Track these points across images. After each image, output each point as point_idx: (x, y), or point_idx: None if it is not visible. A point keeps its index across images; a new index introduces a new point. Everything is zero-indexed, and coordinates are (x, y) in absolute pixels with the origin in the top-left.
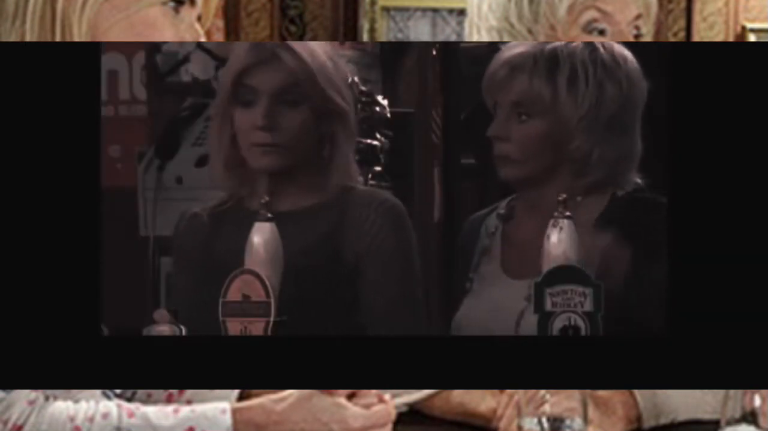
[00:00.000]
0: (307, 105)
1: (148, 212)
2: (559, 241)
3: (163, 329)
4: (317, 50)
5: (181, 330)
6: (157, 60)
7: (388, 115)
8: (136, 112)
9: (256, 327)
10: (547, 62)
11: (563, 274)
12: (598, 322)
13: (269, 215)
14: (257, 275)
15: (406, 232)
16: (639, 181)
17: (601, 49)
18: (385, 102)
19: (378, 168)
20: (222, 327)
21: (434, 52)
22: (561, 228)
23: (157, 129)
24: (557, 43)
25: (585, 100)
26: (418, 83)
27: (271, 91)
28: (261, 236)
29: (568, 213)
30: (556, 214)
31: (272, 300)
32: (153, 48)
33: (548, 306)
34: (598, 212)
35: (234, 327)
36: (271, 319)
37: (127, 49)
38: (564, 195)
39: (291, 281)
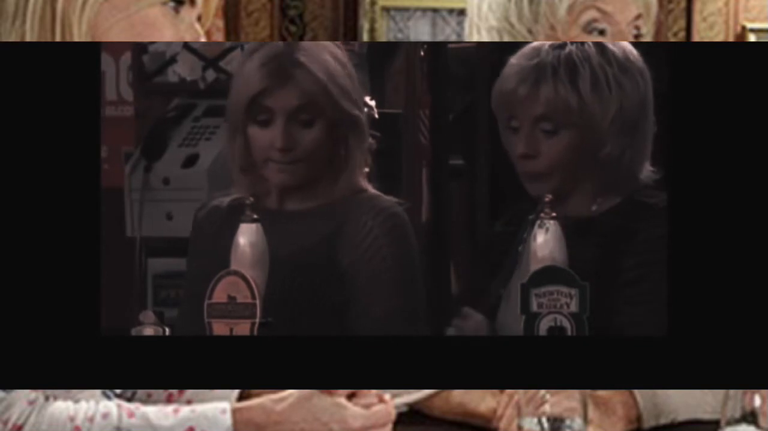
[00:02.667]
0: (323, 120)
1: (134, 213)
2: (545, 242)
3: (148, 331)
4: (330, 61)
5: (164, 331)
6: (143, 60)
7: (376, 116)
8: (123, 112)
9: (242, 329)
10: (567, 69)
11: (549, 275)
12: (584, 323)
13: (255, 216)
14: (243, 277)
15: (404, 242)
16: (652, 172)
17: (612, 48)
18: (372, 103)
19: (366, 169)
20: (207, 328)
21: (422, 53)
22: (547, 229)
23: (143, 130)
24: (569, 47)
25: (611, 103)
26: (405, 84)
27: (287, 112)
28: (247, 237)
29: (554, 214)
30: (542, 215)
31: (258, 302)
32: (140, 48)
33: (534, 307)
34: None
35: (219, 328)
36: (257, 321)
37: (114, 49)
38: (549, 196)
39: (281, 281)
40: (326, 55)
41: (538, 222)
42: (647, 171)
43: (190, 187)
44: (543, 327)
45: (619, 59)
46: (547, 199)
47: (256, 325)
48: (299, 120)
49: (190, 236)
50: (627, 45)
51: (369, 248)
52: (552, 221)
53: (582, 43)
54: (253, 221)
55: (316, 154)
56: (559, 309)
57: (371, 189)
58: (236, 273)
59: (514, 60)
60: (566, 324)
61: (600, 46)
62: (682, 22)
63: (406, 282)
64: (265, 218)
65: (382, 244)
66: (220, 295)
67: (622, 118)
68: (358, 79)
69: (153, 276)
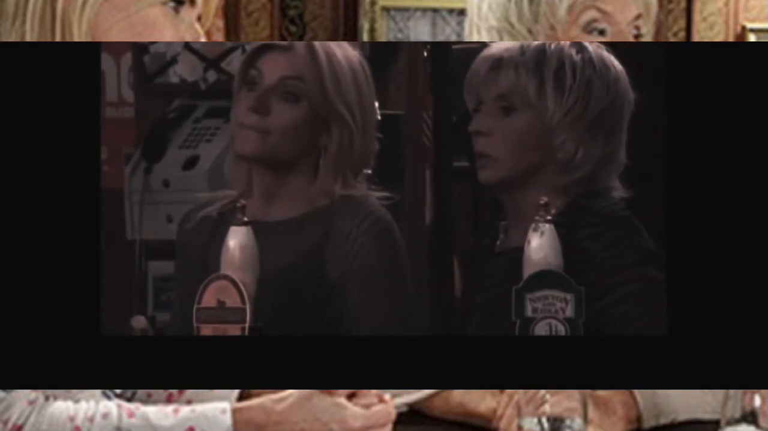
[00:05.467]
0: (307, 103)
1: (134, 215)
2: (539, 246)
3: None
4: (338, 58)
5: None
6: (144, 61)
7: (379, 117)
8: (124, 113)
9: (232, 334)
10: (534, 56)
11: (544, 279)
12: (579, 328)
13: (245, 219)
14: (232, 281)
15: (391, 248)
16: (620, 189)
17: (590, 49)
18: (375, 104)
19: (368, 171)
20: (196, 333)
21: (425, 54)
22: (542, 233)
23: (144, 131)
24: (545, 42)
25: (571, 95)
26: (408, 85)
27: (274, 77)
28: (236, 240)
29: (549, 218)
30: (537, 218)
31: (248, 306)
32: (140, 49)
33: (529, 312)
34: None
35: (208, 333)
36: (247, 325)
37: (115, 49)
38: (545, 199)
39: (272, 291)
40: (338, 51)
41: (533, 226)
42: (614, 183)
43: (191, 189)
44: (538, 332)
45: (594, 59)
46: (542, 202)
47: (246, 330)
48: (284, 91)
49: (176, 245)
50: (609, 54)
51: (356, 259)
52: (547, 225)
53: (559, 43)
54: (243, 223)
55: (289, 133)
56: (554, 314)
57: (351, 193)
58: (226, 277)
59: (488, 48)
60: (561, 329)
61: (579, 45)
62: (682, 22)
63: (396, 292)
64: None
65: (369, 252)
66: (209, 299)
67: (580, 114)
68: (368, 89)
69: (153, 279)
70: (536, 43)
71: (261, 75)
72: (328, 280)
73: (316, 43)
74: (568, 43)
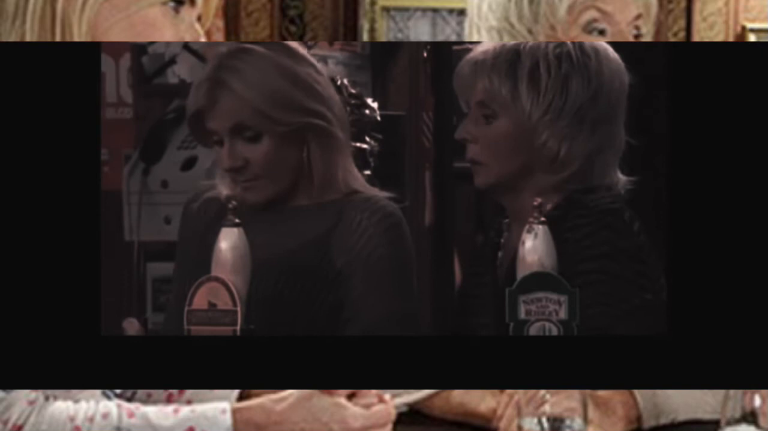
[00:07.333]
0: (268, 135)
1: (132, 216)
2: (534, 247)
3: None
4: (264, 75)
5: None
6: (143, 62)
7: (378, 118)
8: (123, 114)
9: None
10: (507, 58)
11: (538, 281)
12: (573, 330)
13: (236, 220)
14: (223, 283)
15: (399, 243)
16: (619, 182)
17: (569, 45)
18: (375, 105)
19: (368, 172)
20: (187, 334)
21: (425, 54)
22: (536, 234)
23: (142, 132)
24: (522, 41)
25: (547, 93)
26: (408, 85)
27: (229, 131)
28: (228, 241)
29: (543, 219)
30: (531, 219)
31: (239, 308)
32: (139, 49)
33: (522, 314)
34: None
35: (199, 335)
36: (238, 327)
37: (114, 50)
38: (539, 200)
39: (271, 284)
40: (261, 70)
41: (527, 227)
42: (612, 172)
43: (189, 190)
44: (531, 334)
45: (571, 54)
46: (536, 203)
47: (237, 332)
48: (244, 137)
49: (179, 232)
50: (592, 43)
51: (364, 248)
52: (541, 226)
53: (535, 42)
54: (235, 225)
55: (274, 169)
56: (548, 317)
57: (366, 190)
58: (217, 279)
59: (472, 49)
60: (555, 331)
61: (556, 43)
62: (682, 22)
63: (402, 286)
64: (255, 217)
65: (377, 244)
66: (200, 301)
67: (561, 109)
68: (323, 82)
69: (153, 281)
70: (511, 44)
71: (218, 134)
72: (333, 267)
73: (231, 80)
74: (545, 42)
